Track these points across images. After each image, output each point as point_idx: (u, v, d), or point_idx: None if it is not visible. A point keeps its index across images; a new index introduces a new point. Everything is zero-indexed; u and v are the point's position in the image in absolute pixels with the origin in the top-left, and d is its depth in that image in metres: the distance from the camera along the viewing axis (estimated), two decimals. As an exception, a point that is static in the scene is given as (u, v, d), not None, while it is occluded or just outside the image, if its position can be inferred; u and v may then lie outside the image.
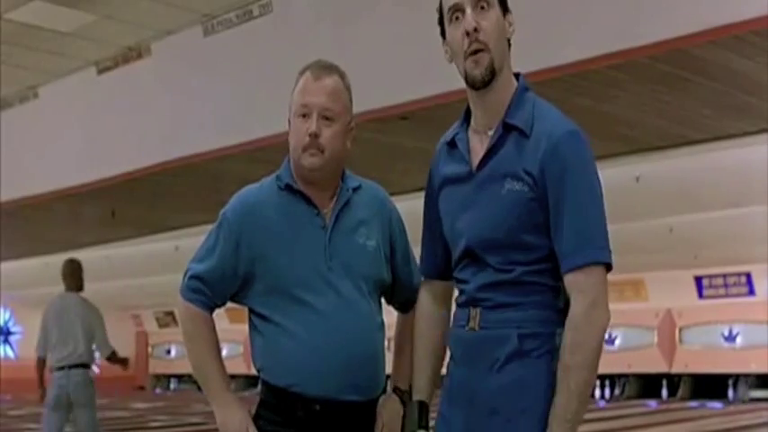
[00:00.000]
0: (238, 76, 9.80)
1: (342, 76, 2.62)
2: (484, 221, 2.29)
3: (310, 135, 2.53)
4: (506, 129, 2.29)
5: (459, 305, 2.39)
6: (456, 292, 2.46)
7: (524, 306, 2.26)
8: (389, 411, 2.60)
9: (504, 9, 2.32)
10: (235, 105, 9.87)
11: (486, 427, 2.27)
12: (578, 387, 2.19)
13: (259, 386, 2.66)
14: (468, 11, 2.26)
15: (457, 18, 2.29)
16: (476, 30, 2.25)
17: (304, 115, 2.56)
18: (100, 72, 11.18)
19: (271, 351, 2.57)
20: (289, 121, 2.62)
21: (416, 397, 2.47)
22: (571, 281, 2.22)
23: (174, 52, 10.41)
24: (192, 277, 2.60)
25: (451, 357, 2.40)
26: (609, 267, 2.24)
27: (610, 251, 2.24)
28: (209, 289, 2.59)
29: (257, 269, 2.57)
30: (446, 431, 2.36)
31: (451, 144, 2.41)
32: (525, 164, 2.25)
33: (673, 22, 6.94)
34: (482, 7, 2.27)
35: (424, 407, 2.45)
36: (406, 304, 2.74)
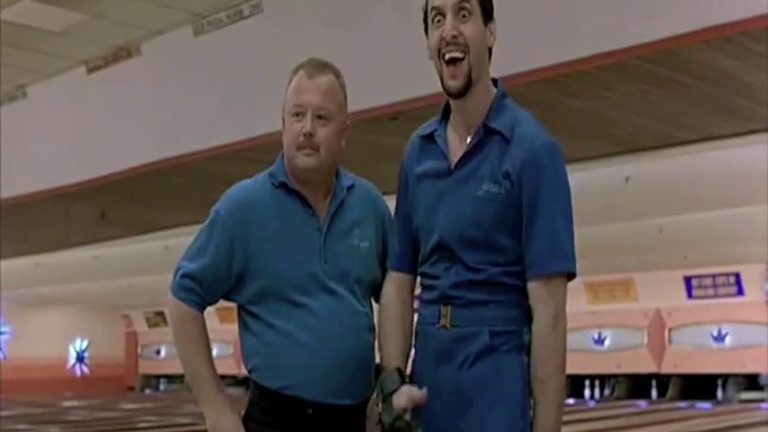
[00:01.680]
0: (229, 76, 9.78)
1: (336, 74, 2.61)
2: (459, 218, 2.35)
3: (305, 135, 2.52)
4: (487, 132, 2.35)
5: (426, 302, 2.42)
6: (420, 289, 2.49)
7: (494, 305, 2.33)
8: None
9: (487, 18, 2.36)
10: (225, 105, 9.86)
11: (462, 418, 2.31)
12: (555, 395, 2.29)
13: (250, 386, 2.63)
14: (450, 17, 2.31)
15: (438, 21, 2.34)
16: (455, 36, 2.30)
17: (298, 114, 2.54)
18: (89, 71, 11.15)
19: (264, 352, 2.54)
20: (282, 119, 2.60)
21: (393, 365, 2.44)
22: (535, 289, 2.30)
23: (165, 52, 10.39)
24: (184, 276, 2.56)
25: (417, 356, 2.44)
26: (572, 276, 2.33)
27: (575, 260, 2.31)
28: (202, 288, 2.55)
29: (251, 268, 2.54)
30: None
31: (428, 138, 2.46)
32: (505, 167, 2.31)
33: (662, 22, 6.95)
34: (463, 15, 2.32)
35: (401, 372, 2.44)
36: None
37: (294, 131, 2.54)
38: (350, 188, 2.65)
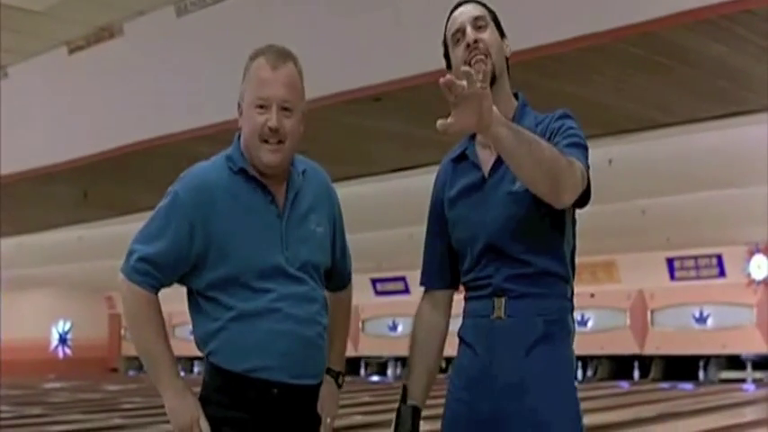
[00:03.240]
0: (211, 56, 9.75)
1: (295, 61, 2.60)
2: (501, 214, 2.45)
3: (271, 128, 2.52)
4: None
5: (476, 298, 2.51)
6: (468, 291, 2.56)
7: (545, 296, 2.46)
8: (326, 394, 2.65)
9: (501, 34, 2.55)
10: (207, 86, 9.83)
11: (517, 404, 2.41)
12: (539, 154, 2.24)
13: (207, 369, 2.60)
14: (469, 29, 2.48)
15: (458, 40, 2.50)
16: (476, 41, 2.47)
17: (262, 106, 2.54)
18: (71, 52, 11.10)
19: (226, 336, 2.53)
20: (239, 105, 2.60)
21: (411, 402, 2.57)
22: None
23: (147, 32, 10.35)
24: (140, 259, 2.52)
25: (468, 345, 2.52)
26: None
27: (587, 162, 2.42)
28: (160, 272, 2.52)
29: (211, 253, 2.52)
30: (468, 414, 2.47)
31: (459, 159, 2.57)
32: None
33: (644, 5, 6.97)
34: (480, 26, 2.49)
35: (417, 412, 2.56)
36: (338, 285, 2.80)
37: (257, 123, 2.53)
38: (303, 173, 2.66)
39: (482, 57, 2.46)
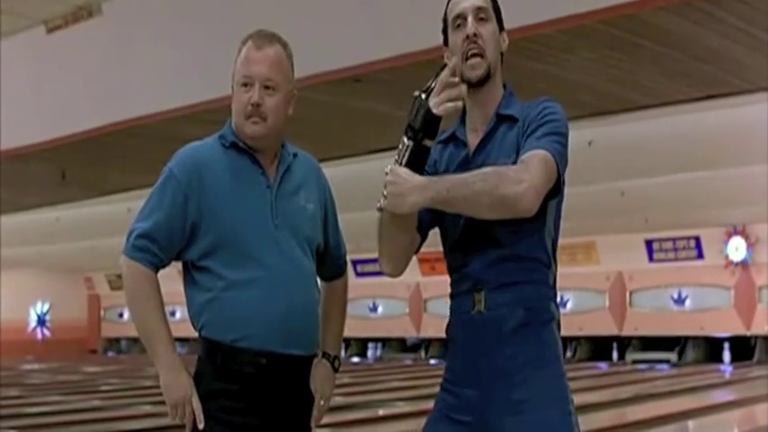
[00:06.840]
0: (190, 36, 9.70)
1: (284, 45, 2.69)
2: None
3: (253, 104, 2.61)
4: (499, 120, 2.54)
5: (457, 294, 2.54)
6: (450, 283, 2.57)
7: (525, 284, 2.47)
8: (321, 376, 2.72)
9: (501, 27, 2.60)
10: (187, 66, 9.79)
11: (504, 393, 2.43)
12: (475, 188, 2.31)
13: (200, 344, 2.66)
14: (470, 19, 2.52)
15: (459, 26, 2.53)
16: (475, 35, 2.50)
17: (246, 84, 2.63)
18: (49, 31, 11.02)
19: (216, 306, 2.60)
20: (232, 88, 2.68)
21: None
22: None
23: (126, 11, 10.29)
24: (138, 236, 2.60)
25: (455, 343, 2.55)
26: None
27: (558, 151, 2.42)
28: (157, 246, 2.60)
29: (203, 223, 2.60)
30: (456, 401, 2.49)
31: (447, 141, 2.60)
32: (517, 140, 2.48)
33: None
34: (482, 18, 2.53)
35: (425, 149, 2.44)
36: (333, 273, 2.87)
37: (243, 101, 2.63)
38: (294, 155, 2.75)
39: (478, 54, 2.49)
